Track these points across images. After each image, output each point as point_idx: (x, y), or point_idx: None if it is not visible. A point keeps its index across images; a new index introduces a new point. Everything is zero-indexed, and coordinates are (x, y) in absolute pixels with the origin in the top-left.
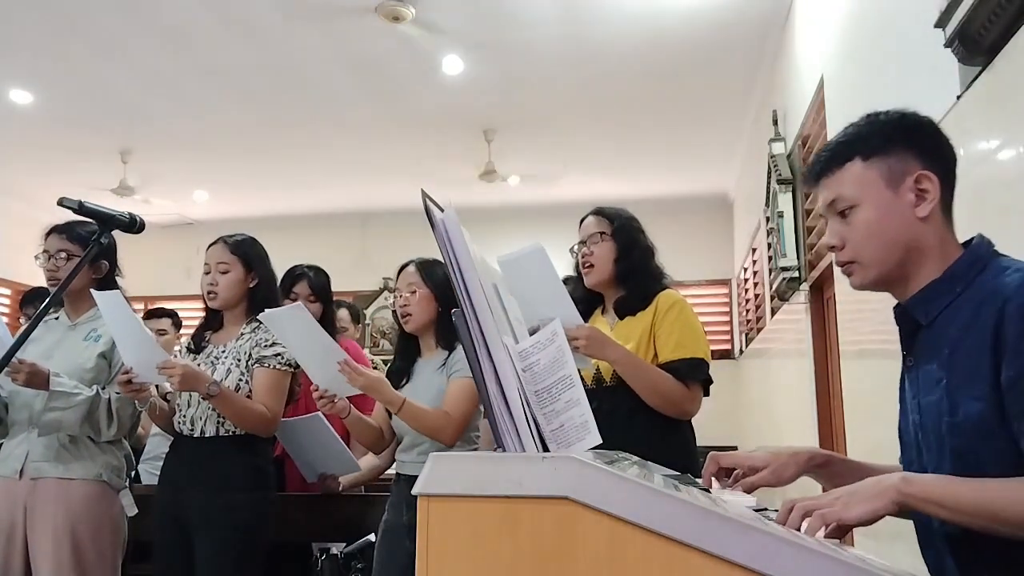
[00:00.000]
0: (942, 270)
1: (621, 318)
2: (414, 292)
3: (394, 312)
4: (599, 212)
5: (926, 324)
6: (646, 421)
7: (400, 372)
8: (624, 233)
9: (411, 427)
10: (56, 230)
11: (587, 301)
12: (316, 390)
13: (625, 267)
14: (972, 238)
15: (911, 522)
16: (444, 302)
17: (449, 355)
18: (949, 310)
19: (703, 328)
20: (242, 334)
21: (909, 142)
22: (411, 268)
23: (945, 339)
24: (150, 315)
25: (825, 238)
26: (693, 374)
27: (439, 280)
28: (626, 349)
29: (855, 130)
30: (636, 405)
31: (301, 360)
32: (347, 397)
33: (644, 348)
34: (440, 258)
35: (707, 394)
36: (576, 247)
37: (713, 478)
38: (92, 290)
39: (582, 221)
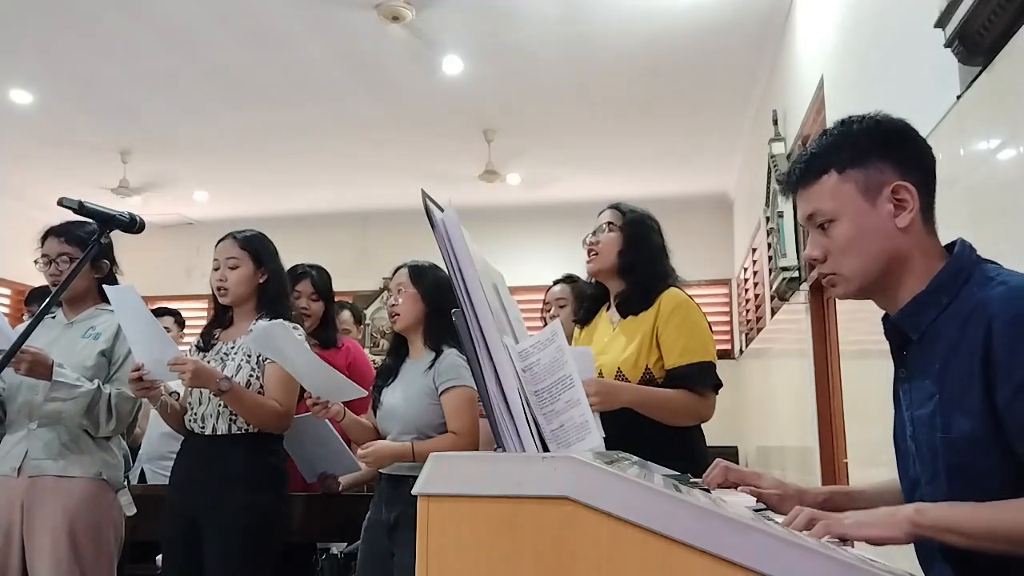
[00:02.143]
0: (926, 279)
1: (623, 316)
2: (401, 292)
3: (388, 316)
4: (616, 206)
5: (916, 339)
6: (650, 423)
7: (388, 370)
8: (634, 227)
9: None
10: (53, 232)
11: (595, 298)
12: (310, 397)
13: (629, 260)
14: (954, 242)
15: None
16: (431, 304)
17: (436, 357)
18: (937, 323)
19: (709, 325)
20: (251, 330)
21: (884, 152)
22: (403, 270)
23: (936, 353)
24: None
25: (806, 251)
26: (704, 380)
27: (428, 283)
28: (637, 388)
29: (830, 140)
30: None
31: (293, 371)
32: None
33: (646, 349)
34: (437, 260)
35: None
36: (587, 237)
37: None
38: (105, 286)
39: (599, 214)
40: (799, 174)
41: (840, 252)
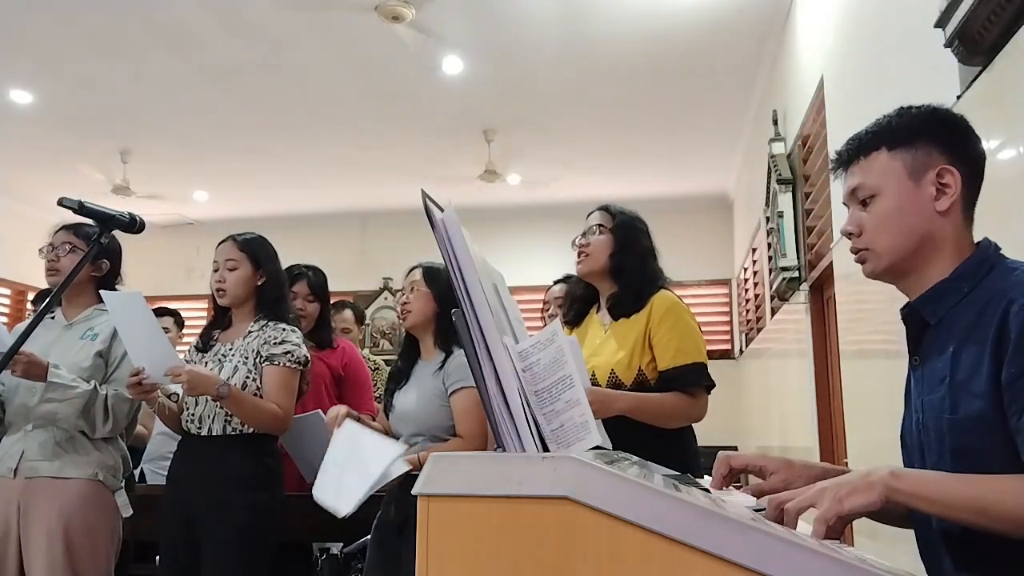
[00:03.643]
0: (951, 267)
1: (615, 319)
2: (414, 290)
3: (399, 314)
4: (605, 208)
5: (933, 324)
6: (641, 424)
7: (400, 373)
8: (624, 229)
9: None
10: (65, 227)
11: (584, 300)
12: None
13: (619, 262)
14: (980, 240)
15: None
16: (443, 304)
17: (446, 358)
18: (956, 309)
19: (699, 327)
20: (250, 332)
21: (936, 136)
22: (417, 270)
23: (951, 337)
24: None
25: (843, 225)
26: (697, 380)
27: (441, 284)
28: (631, 395)
29: (886, 121)
30: None
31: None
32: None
33: (639, 352)
34: (437, 260)
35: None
36: (577, 239)
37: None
38: (102, 291)
39: (588, 216)
40: (852, 150)
41: (876, 227)
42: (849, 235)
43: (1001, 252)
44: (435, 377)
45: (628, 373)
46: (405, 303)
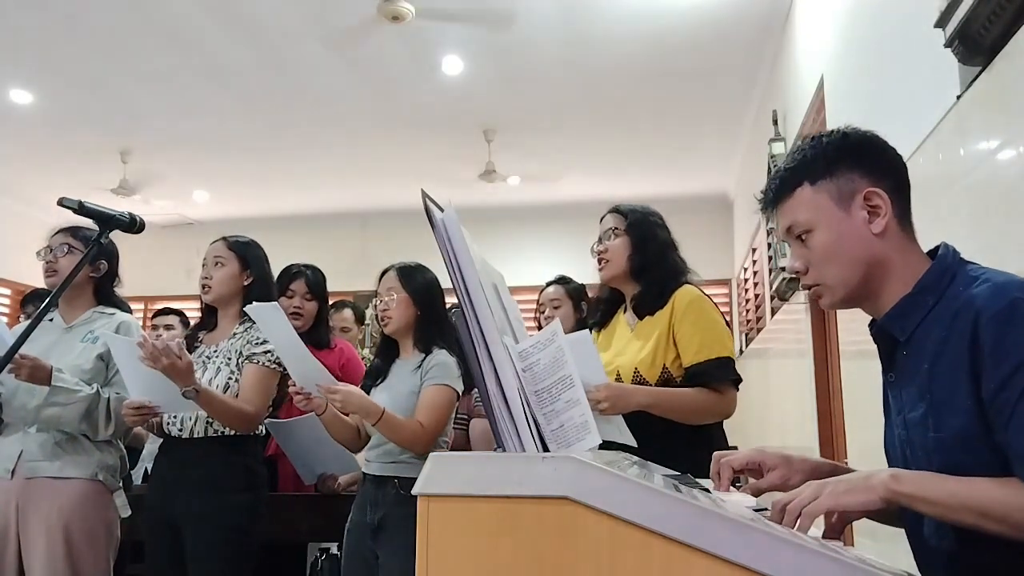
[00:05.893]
0: (909, 282)
1: (640, 318)
2: (392, 297)
3: (375, 316)
4: (615, 209)
5: (904, 340)
6: (665, 424)
7: (378, 371)
8: (639, 227)
9: (387, 438)
10: (62, 230)
11: (611, 301)
12: (294, 386)
13: (640, 261)
14: (937, 247)
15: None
16: (422, 306)
17: (425, 357)
18: (924, 324)
19: (724, 321)
20: (234, 333)
21: (853, 161)
22: (391, 273)
23: (924, 354)
24: (158, 314)
25: (788, 263)
26: (722, 375)
27: (417, 285)
28: (649, 390)
29: (801, 155)
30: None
31: (282, 355)
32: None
33: (663, 348)
34: (438, 260)
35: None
36: (594, 246)
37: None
38: (105, 336)
39: (601, 220)
40: (775, 191)
41: (820, 261)
42: (796, 272)
43: (960, 257)
44: (413, 375)
45: (652, 371)
46: (384, 310)
